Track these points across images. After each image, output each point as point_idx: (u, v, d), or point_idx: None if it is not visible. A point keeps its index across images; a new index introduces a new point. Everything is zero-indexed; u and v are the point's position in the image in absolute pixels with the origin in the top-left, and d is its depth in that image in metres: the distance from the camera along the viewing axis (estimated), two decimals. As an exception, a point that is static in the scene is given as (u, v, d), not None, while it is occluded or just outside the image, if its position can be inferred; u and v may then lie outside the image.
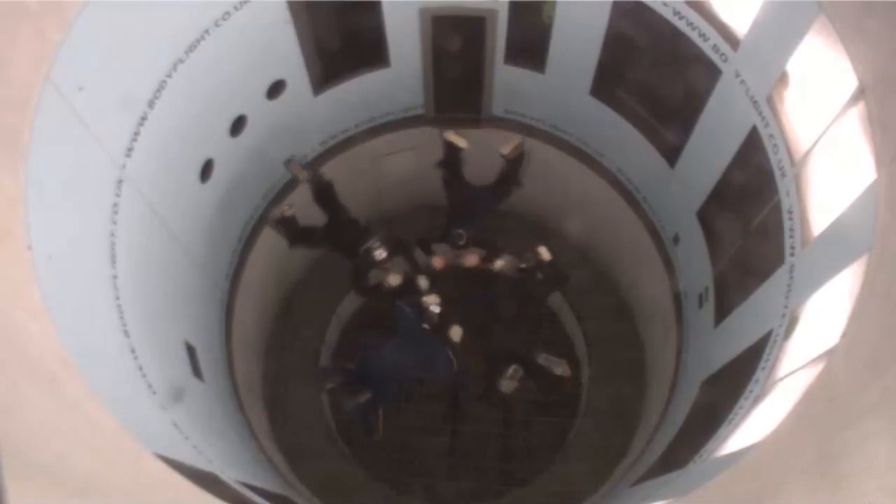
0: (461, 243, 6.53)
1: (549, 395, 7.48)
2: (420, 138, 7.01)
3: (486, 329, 6.49)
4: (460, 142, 6.45)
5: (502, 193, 6.72)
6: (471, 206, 6.66)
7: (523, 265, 6.40)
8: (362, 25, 5.89)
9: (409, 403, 7.71)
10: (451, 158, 6.58)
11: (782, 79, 4.30)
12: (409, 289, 6.25)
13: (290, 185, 6.64)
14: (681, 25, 4.84)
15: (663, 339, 6.83)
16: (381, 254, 6.19)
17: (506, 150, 6.50)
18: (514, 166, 6.62)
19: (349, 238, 6.44)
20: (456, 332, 5.98)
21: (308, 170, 6.52)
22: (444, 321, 5.90)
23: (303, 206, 6.51)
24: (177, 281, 5.16)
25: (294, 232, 6.50)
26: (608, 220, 7.22)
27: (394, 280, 6.31)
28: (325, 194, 6.53)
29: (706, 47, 4.79)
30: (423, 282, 6.18)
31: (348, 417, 6.76)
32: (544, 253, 6.25)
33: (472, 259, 6.54)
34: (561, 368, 6.23)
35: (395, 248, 6.45)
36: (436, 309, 5.84)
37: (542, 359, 6.24)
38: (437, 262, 6.47)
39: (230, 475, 4.27)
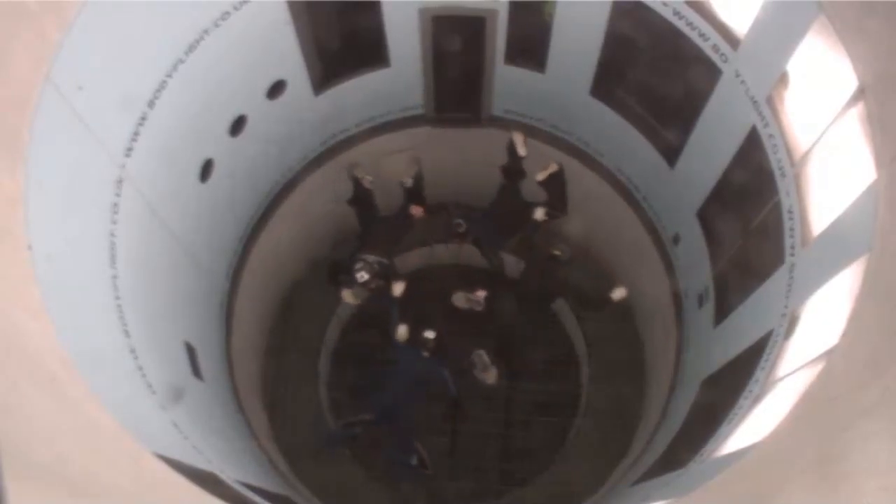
0: (460, 231, 6.61)
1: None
2: (420, 138, 7.00)
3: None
4: (520, 147, 6.49)
5: (547, 217, 6.71)
6: (511, 219, 6.73)
7: (555, 252, 6.43)
8: (362, 25, 5.88)
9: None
10: (513, 165, 6.62)
11: (782, 79, 4.29)
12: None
13: (292, 185, 6.66)
14: (681, 25, 4.84)
15: (663, 339, 6.82)
16: (362, 276, 6.35)
17: (540, 176, 6.54)
18: (555, 193, 6.61)
19: (380, 243, 6.66)
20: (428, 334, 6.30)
21: (419, 170, 6.73)
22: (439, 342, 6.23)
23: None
24: (177, 281, 5.16)
25: (362, 196, 6.80)
26: (608, 220, 7.21)
27: (349, 298, 6.62)
28: (413, 200, 6.81)
29: (706, 47, 4.79)
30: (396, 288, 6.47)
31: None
32: (620, 293, 6.43)
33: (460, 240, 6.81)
34: (489, 376, 6.40)
35: (379, 276, 6.58)
36: (430, 335, 6.20)
37: (476, 355, 6.40)
38: (416, 210, 6.78)
39: (230, 475, 4.27)
